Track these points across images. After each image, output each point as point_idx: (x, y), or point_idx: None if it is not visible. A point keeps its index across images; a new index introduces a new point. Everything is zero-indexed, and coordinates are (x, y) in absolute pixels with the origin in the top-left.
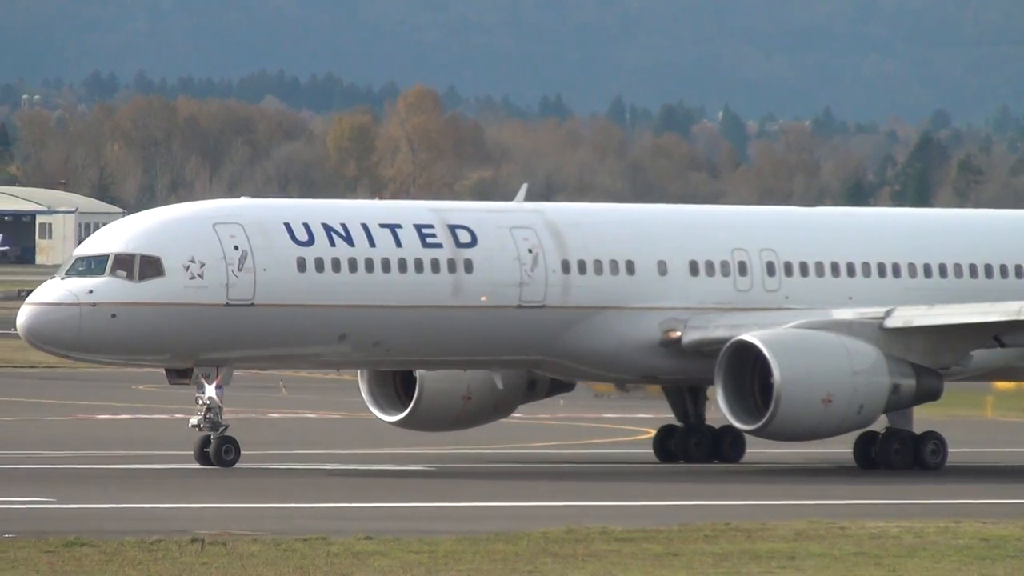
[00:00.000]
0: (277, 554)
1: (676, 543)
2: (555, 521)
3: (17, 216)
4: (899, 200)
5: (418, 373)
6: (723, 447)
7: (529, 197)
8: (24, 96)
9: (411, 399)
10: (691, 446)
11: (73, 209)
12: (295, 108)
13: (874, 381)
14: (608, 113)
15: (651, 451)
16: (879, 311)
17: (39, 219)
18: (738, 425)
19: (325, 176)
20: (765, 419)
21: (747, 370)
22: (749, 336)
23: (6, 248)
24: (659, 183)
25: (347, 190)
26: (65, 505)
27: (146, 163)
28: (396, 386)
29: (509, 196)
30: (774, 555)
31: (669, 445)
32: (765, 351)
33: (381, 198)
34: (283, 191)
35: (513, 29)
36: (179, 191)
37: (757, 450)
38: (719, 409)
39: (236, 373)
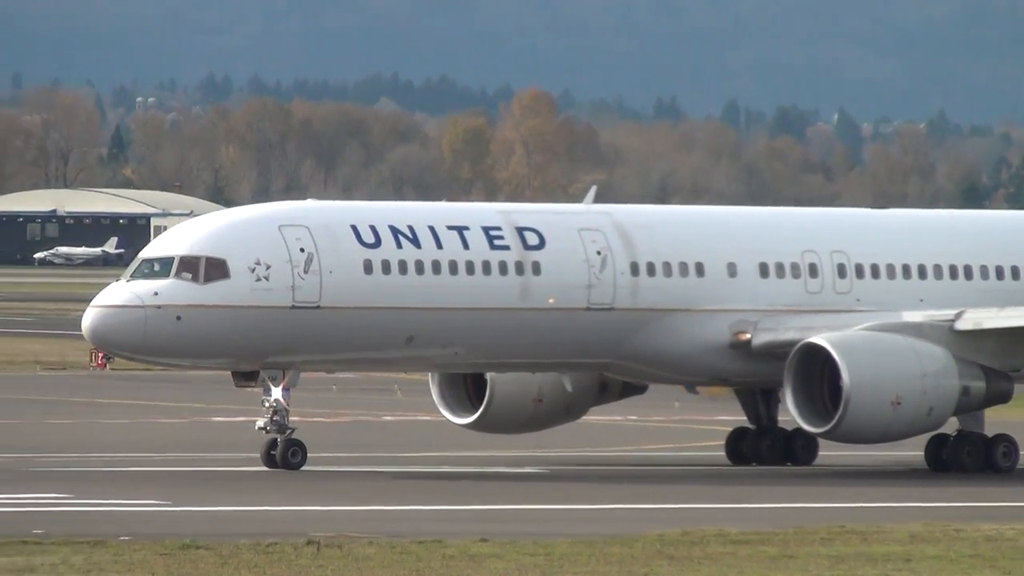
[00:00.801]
0: (393, 556)
1: (792, 545)
2: (670, 523)
3: (132, 219)
4: (1014, 203)
5: (489, 375)
6: (795, 449)
7: (644, 200)
8: (139, 99)
9: (482, 401)
10: (763, 448)
11: (188, 212)
12: (409, 111)
13: (944, 384)
14: (722, 116)
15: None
16: (949, 313)
17: (154, 221)
18: (807, 427)
19: (439, 179)
20: (834, 422)
21: (816, 372)
22: (818, 339)
23: (121, 251)
24: (774, 185)
25: (462, 193)
26: (181, 508)
27: (260, 166)
28: (467, 388)
29: (623, 199)
30: (890, 557)
31: (741, 447)
32: (834, 354)
33: (449, 200)
34: (397, 194)
35: (627, 31)
36: (293, 193)
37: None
38: (788, 411)
39: (348, 376)
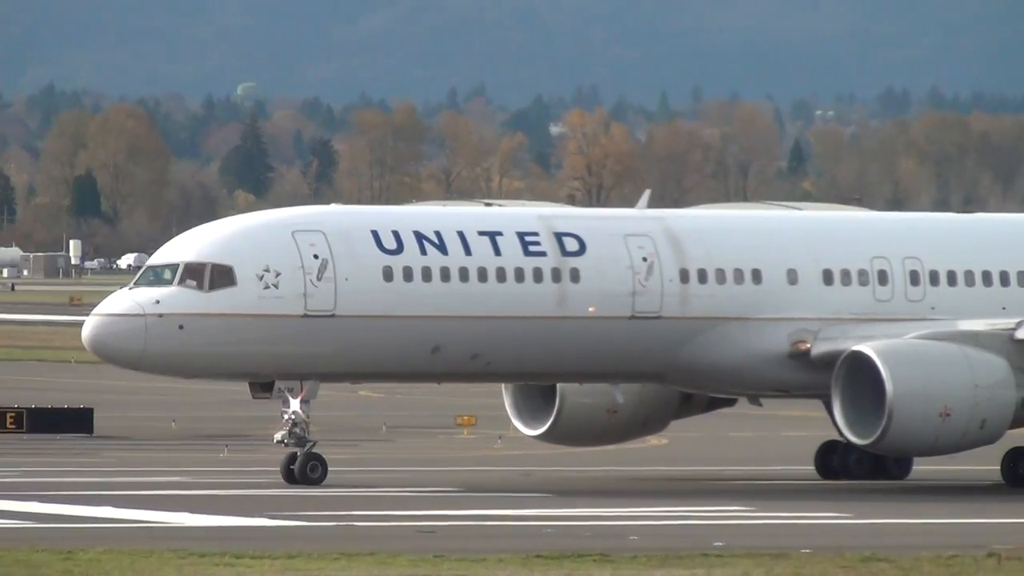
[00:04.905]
0: None
1: None
2: None
3: None
4: None
5: (559, 385)
6: (887, 464)
7: None
8: (818, 112)
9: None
10: (852, 463)
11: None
12: None
13: (999, 395)
14: None
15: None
16: (1010, 322)
17: None
18: (853, 439)
19: None
20: (878, 433)
21: (867, 382)
22: (864, 347)
23: None
24: None
25: None
26: (861, 520)
27: (939, 179)
28: (544, 398)
29: None
30: None
31: (831, 461)
32: (878, 362)
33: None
34: None
35: None
36: (971, 207)
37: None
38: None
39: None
